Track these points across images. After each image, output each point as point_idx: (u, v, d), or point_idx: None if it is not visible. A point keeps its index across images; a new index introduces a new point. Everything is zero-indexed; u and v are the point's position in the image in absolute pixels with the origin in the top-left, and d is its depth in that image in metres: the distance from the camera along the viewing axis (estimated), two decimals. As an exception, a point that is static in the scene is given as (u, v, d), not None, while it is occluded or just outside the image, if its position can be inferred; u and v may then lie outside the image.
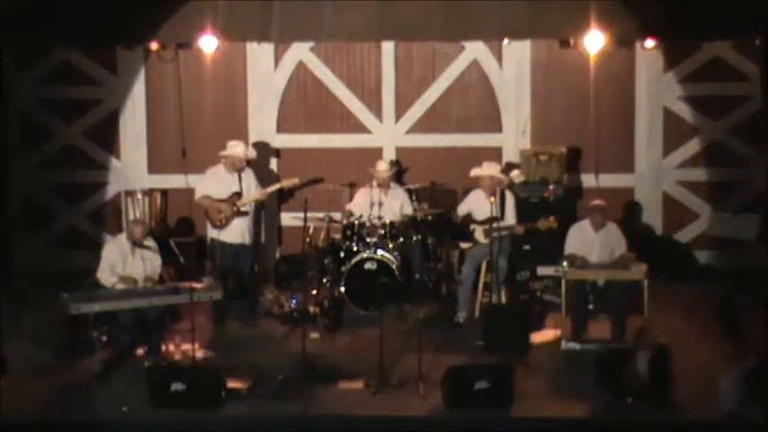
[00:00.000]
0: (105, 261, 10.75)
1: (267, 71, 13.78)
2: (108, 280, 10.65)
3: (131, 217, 13.20)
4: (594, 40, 12.35)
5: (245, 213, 11.96)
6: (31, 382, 10.11)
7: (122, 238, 10.88)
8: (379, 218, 12.22)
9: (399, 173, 13.43)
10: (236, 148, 11.96)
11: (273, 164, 13.83)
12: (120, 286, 10.58)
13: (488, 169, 11.86)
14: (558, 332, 11.08)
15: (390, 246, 12.17)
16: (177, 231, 13.60)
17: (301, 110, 13.89)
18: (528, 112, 13.69)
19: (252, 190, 12.06)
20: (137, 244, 10.78)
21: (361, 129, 13.86)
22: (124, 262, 10.75)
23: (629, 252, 11.26)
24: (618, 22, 12.36)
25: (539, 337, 11.14)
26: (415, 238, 12.40)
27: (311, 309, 11.68)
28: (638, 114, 13.66)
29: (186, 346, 10.50)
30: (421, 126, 13.83)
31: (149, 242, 10.93)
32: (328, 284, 12.26)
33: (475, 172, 11.93)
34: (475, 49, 13.60)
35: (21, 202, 14.03)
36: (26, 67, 13.80)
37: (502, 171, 12.28)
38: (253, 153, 12.31)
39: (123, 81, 13.84)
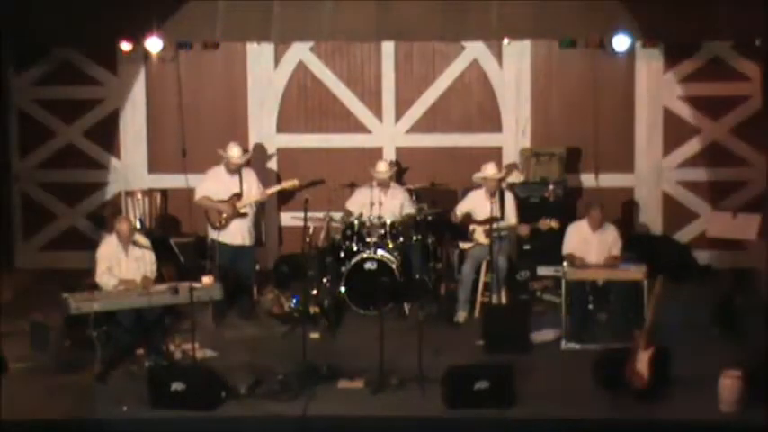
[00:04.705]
0: (102, 263, 10.71)
1: (267, 71, 13.77)
2: (108, 283, 10.62)
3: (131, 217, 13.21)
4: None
5: (245, 215, 11.96)
6: (31, 382, 10.11)
7: (113, 238, 10.84)
8: (379, 218, 12.22)
9: (399, 173, 13.43)
10: (231, 150, 11.96)
11: (273, 164, 13.82)
12: (120, 288, 10.56)
13: (492, 170, 11.84)
14: (558, 332, 11.08)
15: (390, 246, 12.17)
16: (177, 231, 13.60)
17: (301, 110, 13.88)
18: (528, 112, 13.69)
19: (253, 191, 12.07)
20: (135, 243, 10.77)
21: (361, 129, 13.85)
22: (119, 263, 10.72)
23: (624, 254, 11.27)
24: (618, 22, 12.37)
25: (539, 337, 11.14)
26: (415, 238, 12.40)
27: (311, 309, 11.69)
28: (638, 114, 13.65)
29: (186, 346, 10.51)
30: (421, 126, 13.82)
31: (141, 240, 10.90)
32: (328, 284, 12.25)
33: (480, 175, 11.89)
34: (475, 49, 13.59)
35: (21, 202, 14.03)
36: (26, 67, 13.80)
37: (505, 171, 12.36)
38: (247, 156, 12.25)
39: (123, 81, 13.83)
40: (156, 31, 12.44)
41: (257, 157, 13.55)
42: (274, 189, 12.61)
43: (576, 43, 13.14)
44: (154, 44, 12.61)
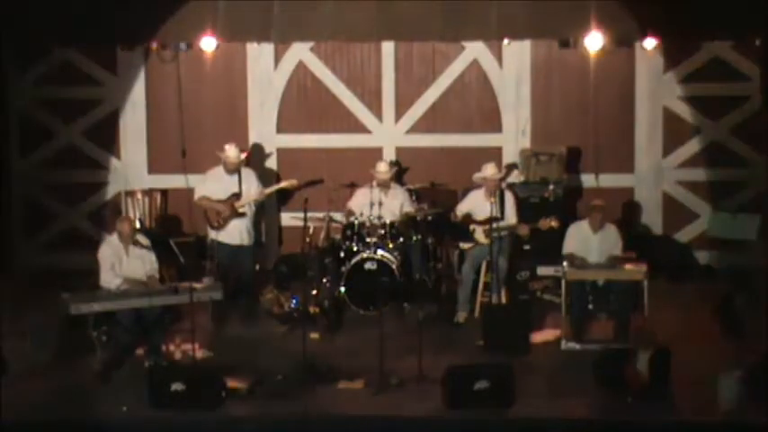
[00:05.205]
0: (105, 264, 10.69)
1: (267, 71, 13.77)
2: (112, 282, 10.61)
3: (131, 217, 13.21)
4: (594, 40, 12.39)
5: (243, 214, 11.95)
6: (31, 382, 10.11)
7: (114, 239, 10.84)
8: (379, 218, 12.22)
9: (399, 173, 13.43)
10: (228, 151, 11.97)
11: (273, 164, 13.82)
12: (125, 287, 10.56)
13: (492, 170, 11.85)
14: (558, 332, 11.08)
15: (390, 246, 12.17)
16: (177, 231, 13.60)
17: (301, 110, 13.89)
18: (528, 112, 13.69)
19: (252, 191, 12.06)
20: (135, 243, 10.77)
21: (361, 129, 13.85)
22: (120, 263, 10.72)
23: (624, 254, 11.27)
24: (618, 22, 12.37)
25: (539, 337, 11.14)
26: (415, 238, 12.40)
27: (311, 309, 11.69)
28: (638, 114, 13.66)
29: (186, 346, 10.51)
30: (421, 126, 13.82)
31: (141, 239, 10.91)
32: (328, 284, 12.25)
33: (480, 175, 11.90)
34: (475, 49, 13.60)
35: (21, 202, 14.03)
36: (26, 67, 13.81)
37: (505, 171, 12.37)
38: (242, 156, 12.24)
39: (123, 81, 13.84)
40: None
41: (257, 158, 13.55)
42: (273, 188, 12.60)
43: (576, 43, 13.12)
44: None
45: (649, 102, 13.62)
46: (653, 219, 13.77)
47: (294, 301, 11.89)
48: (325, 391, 9.79)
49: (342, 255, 12.28)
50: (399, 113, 13.80)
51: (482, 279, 11.93)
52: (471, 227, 11.98)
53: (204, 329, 11.25)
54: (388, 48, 13.66)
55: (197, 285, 10.43)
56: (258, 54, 13.70)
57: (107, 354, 10.31)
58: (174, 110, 13.78)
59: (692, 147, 13.67)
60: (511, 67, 13.64)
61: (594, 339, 10.92)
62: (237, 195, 11.97)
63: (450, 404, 9.40)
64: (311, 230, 12.38)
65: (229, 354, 10.77)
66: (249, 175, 12.16)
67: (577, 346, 10.85)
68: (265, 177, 12.98)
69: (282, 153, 13.87)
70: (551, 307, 11.99)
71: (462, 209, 12.11)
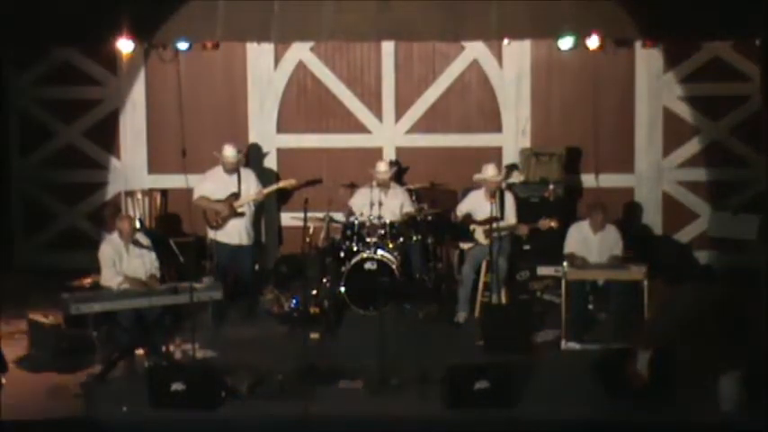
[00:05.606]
0: (106, 261, 10.71)
1: (267, 71, 13.77)
2: (113, 280, 10.62)
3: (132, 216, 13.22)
4: (594, 40, 12.40)
5: (242, 214, 11.95)
6: (30, 382, 10.11)
7: (114, 237, 10.85)
8: (379, 218, 12.22)
9: (399, 173, 13.43)
10: (225, 151, 11.98)
11: (273, 164, 13.82)
12: (126, 286, 10.56)
13: (492, 172, 11.85)
14: (558, 332, 11.08)
15: (390, 246, 12.17)
16: (177, 231, 13.60)
17: (301, 110, 13.89)
18: (528, 112, 13.69)
19: (251, 191, 12.07)
20: (135, 242, 10.78)
21: (361, 129, 13.85)
22: (121, 261, 10.74)
23: (624, 254, 11.27)
24: (618, 22, 12.37)
25: (539, 337, 11.14)
26: (415, 238, 12.40)
27: (311, 309, 11.68)
28: (638, 114, 13.66)
29: (186, 346, 10.51)
30: (421, 126, 13.82)
31: (141, 239, 10.92)
32: (328, 284, 12.25)
33: (481, 176, 11.91)
34: (475, 49, 13.60)
35: (21, 202, 14.04)
36: (26, 67, 13.81)
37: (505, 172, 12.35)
38: (240, 156, 12.23)
39: (123, 81, 13.84)
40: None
41: (256, 157, 13.56)
42: (271, 188, 12.60)
43: (576, 43, 13.11)
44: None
45: (649, 102, 13.62)
46: (653, 219, 13.77)
47: (294, 301, 11.90)
48: (325, 391, 9.79)
49: (342, 255, 12.28)
50: (399, 113, 13.80)
51: (482, 279, 11.93)
52: (471, 227, 11.98)
53: (204, 329, 11.23)
54: (388, 48, 13.66)
55: (197, 285, 10.44)
56: (258, 54, 13.70)
57: (107, 354, 10.30)
58: (174, 110, 13.78)
59: (692, 147, 13.68)
60: (511, 67, 13.64)
61: (594, 339, 10.92)
62: (236, 195, 11.98)
63: (450, 404, 9.39)
64: (311, 230, 12.39)
65: (229, 354, 10.77)
66: (248, 175, 12.17)
67: (577, 346, 10.85)
68: (265, 177, 12.99)
69: (282, 153, 13.87)
70: (551, 307, 11.99)
71: (462, 209, 12.12)
